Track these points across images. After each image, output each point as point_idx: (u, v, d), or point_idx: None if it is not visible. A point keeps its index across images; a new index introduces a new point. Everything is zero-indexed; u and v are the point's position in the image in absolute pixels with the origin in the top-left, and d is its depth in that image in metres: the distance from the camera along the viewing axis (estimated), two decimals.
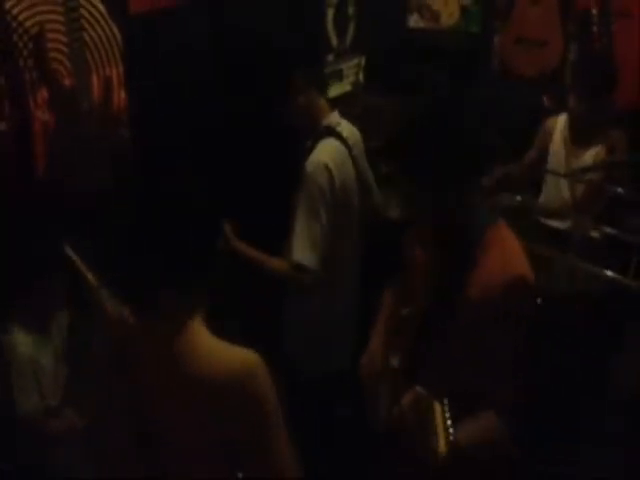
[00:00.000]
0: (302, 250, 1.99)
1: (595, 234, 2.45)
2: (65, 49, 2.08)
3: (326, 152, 2.05)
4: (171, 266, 1.20)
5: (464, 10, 3.63)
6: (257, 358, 1.18)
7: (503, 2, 3.53)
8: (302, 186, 2.01)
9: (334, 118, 2.13)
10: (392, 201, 3.15)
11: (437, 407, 1.33)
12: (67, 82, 2.09)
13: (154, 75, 2.36)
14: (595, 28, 3.26)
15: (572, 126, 2.75)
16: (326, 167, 2.01)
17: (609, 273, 2.20)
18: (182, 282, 1.23)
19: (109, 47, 2.23)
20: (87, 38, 2.14)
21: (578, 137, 2.74)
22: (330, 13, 3.26)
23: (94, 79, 2.17)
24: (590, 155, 2.70)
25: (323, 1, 3.19)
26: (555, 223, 2.65)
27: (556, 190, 2.73)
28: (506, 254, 1.46)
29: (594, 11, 3.24)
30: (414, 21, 3.72)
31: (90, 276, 1.68)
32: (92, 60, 2.17)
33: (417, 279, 1.60)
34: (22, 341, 1.98)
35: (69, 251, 1.72)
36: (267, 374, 1.18)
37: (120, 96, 2.27)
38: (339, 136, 2.10)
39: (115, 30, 2.24)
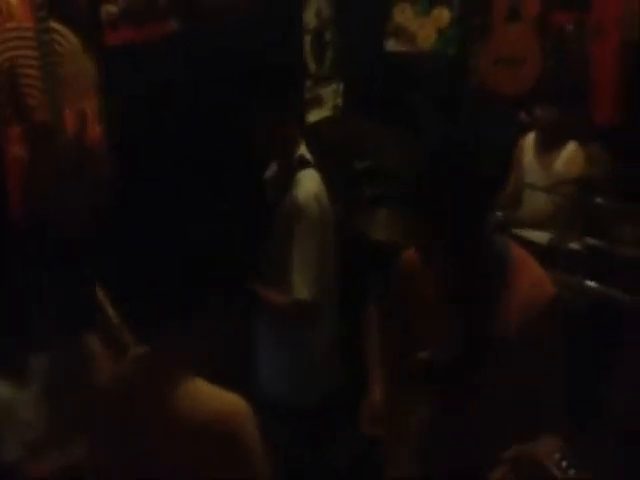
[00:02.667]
0: (303, 286, 1.95)
1: (579, 246, 2.45)
2: (38, 83, 2.07)
3: (313, 183, 2.04)
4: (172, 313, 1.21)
5: (441, 32, 3.67)
6: (244, 402, 1.19)
7: (478, 22, 3.57)
8: (295, 218, 1.98)
9: (303, 148, 2.12)
10: (377, 223, 3.15)
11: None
12: (41, 116, 2.08)
13: (131, 108, 2.36)
14: (571, 45, 3.31)
15: (541, 138, 2.82)
16: (316, 198, 2.01)
17: (595, 285, 2.19)
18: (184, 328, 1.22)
19: (84, 81, 2.23)
20: (61, 72, 2.14)
21: (547, 148, 2.80)
22: (308, 39, 3.29)
23: (69, 113, 2.16)
24: (560, 164, 2.76)
25: (301, 28, 3.22)
26: (537, 237, 2.65)
27: (536, 204, 2.75)
28: (536, 273, 1.44)
29: (570, 28, 3.29)
30: (392, 45, 3.75)
31: (112, 312, 1.61)
32: (67, 94, 2.17)
33: (429, 316, 1.50)
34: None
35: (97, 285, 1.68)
36: (253, 418, 1.19)
37: (96, 130, 2.26)
38: (313, 165, 2.09)
39: (90, 63, 2.25)
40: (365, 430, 1.62)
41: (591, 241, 2.35)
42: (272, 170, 2.22)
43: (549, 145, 2.81)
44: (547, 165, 2.81)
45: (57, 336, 1.94)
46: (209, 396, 1.20)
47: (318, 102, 3.33)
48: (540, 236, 2.65)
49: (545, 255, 2.40)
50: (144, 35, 2.44)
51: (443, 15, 3.64)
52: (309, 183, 2.02)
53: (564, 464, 1.26)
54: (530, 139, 2.89)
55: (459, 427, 1.47)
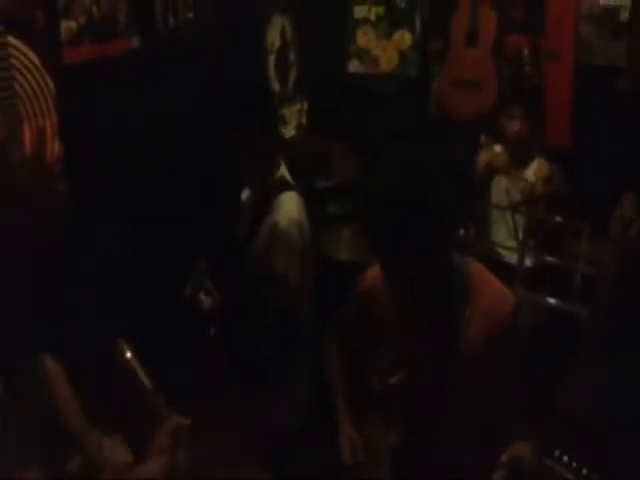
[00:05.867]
0: None
1: (538, 264, 2.49)
2: None
3: (295, 207, 1.99)
4: None
5: (402, 55, 3.74)
6: None
7: (438, 46, 3.65)
8: (275, 245, 1.94)
9: (284, 169, 2.07)
10: (341, 243, 3.16)
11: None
12: None
13: (90, 126, 2.32)
14: (527, 68, 3.40)
15: (508, 152, 2.87)
16: (298, 223, 1.96)
17: (553, 301, 2.23)
18: None
19: (42, 97, 2.19)
20: (18, 88, 2.09)
21: (515, 163, 2.86)
22: (271, 59, 3.31)
23: (26, 130, 2.11)
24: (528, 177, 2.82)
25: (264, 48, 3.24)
26: (502, 255, 2.68)
27: (504, 223, 2.79)
28: (494, 286, 1.46)
29: (526, 52, 3.39)
30: (354, 66, 3.80)
31: (146, 380, 1.46)
32: (24, 111, 2.12)
33: (393, 337, 1.50)
34: None
35: (125, 349, 1.50)
36: None
37: (54, 147, 2.21)
38: (294, 188, 2.05)
39: (49, 80, 2.21)
40: (348, 462, 1.58)
41: (549, 258, 2.39)
42: (249, 191, 2.17)
43: (517, 162, 2.86)
44: (514, 184, 2.85)
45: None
46: None
47: (282, 122, 3.34)
48: (503, 253, 2.69)
49: (505, 272, 2.44)
50: (104, 52, 2.41)
51: (405, 38, 3.71)
52: (291, 208, 1.97)
53: (565, 459, 1.25)
54: (500, 157, 2.92)
55: (428, 447, 1.46)
